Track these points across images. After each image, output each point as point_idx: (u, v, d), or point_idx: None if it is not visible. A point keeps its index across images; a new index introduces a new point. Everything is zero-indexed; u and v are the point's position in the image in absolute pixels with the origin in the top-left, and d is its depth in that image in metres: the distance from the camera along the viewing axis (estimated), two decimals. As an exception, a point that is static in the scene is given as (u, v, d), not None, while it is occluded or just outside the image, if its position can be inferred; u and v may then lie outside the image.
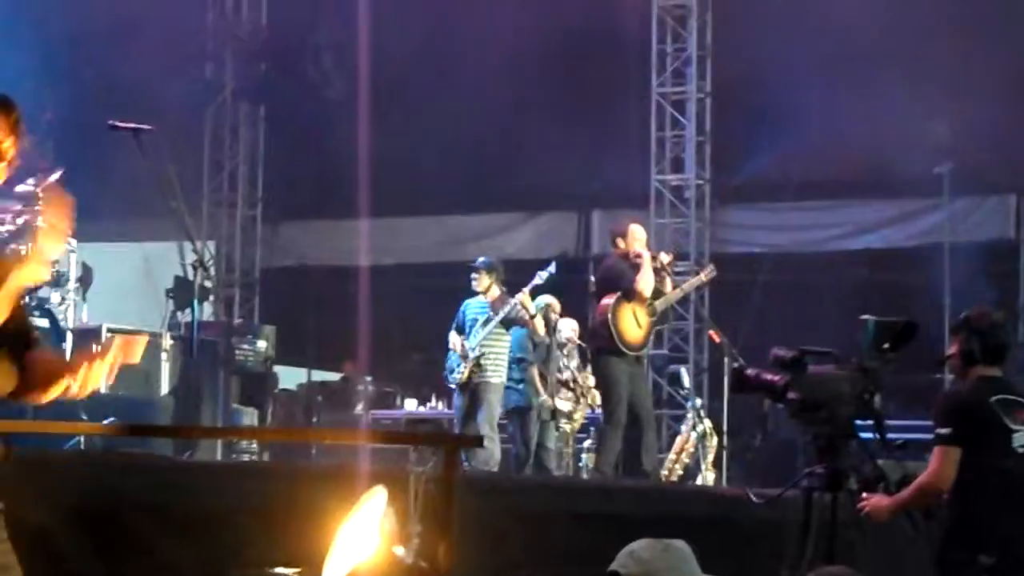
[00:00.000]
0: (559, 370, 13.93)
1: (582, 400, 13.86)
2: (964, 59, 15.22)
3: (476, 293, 12.88)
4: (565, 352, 14.03)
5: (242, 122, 17.64)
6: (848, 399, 6.08)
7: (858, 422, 6.29)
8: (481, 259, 13.15)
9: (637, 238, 11.89)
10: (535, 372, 13.37)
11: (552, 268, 12.94)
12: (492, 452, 12.67)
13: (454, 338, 12.74)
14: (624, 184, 16.76)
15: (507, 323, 12.75)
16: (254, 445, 13.90)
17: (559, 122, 16.44)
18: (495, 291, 12.83)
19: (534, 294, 13.00)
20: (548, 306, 13.52)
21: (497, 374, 12.79)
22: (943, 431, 6.47)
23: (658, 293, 11.94)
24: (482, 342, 12.67)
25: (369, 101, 16.41)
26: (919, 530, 6.44)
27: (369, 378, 17.25)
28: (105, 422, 10.37)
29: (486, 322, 12.70)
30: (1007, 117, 15.14)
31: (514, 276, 14.27)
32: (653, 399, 15.17)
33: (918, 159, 15.22)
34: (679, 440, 13.94)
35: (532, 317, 12.79)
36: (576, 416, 13.90)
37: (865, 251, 16.35)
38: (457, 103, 16.83)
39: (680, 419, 14.81)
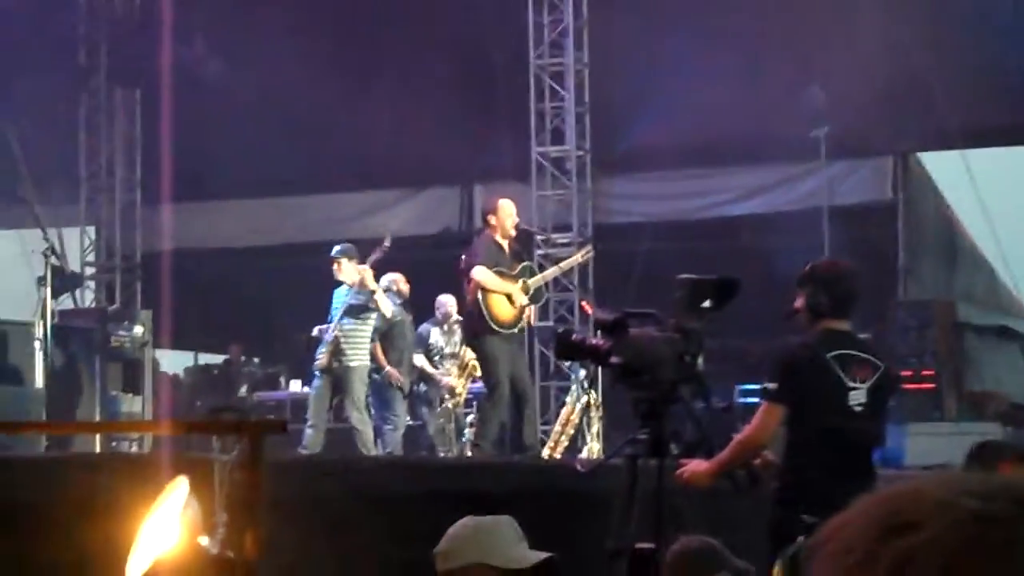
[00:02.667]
0: (441, 347, 14.16)
1: (464, 374, 13.98)
2: (839, 22, 15.27)
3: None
4: (446, 328, 14.24)
5: (118, 106, 17.42)
6: (669, 362, 5.76)
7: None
8: (336, 248, 13.11)
9: (508, 213, 11.89)
10: (376, 348, 13.45)
11: (387, 242, 12.90)
12: (366, 434, 12.78)
13: (322, 329, 12.82)
14: (505, 158, 16.65)
15: (356, 310, 12.76)
16: (134, 432, 13.95)
17: (439, 98, 16.40)
18: (355, 276, 12.82)
19: (379, 271, 13.04)
20: (393, 282, 13.65)
21: (357, 357, 12.83)
22: (770, 386, 6.32)
23: (531, 271, 11.97)
24: (341, 327, 12.71)
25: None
26: (742, 492, 6.19)
27: (256, 360, 17.38)
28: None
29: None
30: (882, 80, 15.19)
31: (399, 253, 14.30)
32: (540, 371, 15.31)
33: (795, 123, 15.16)
34: (564, 412, 13.97)
35: (373, 292, 12.77)
36: (459, 392, 14.03)
37: (746, 216, 16.35)
38: (341, 81, 16.65)
39: (567, 390, 14.70)
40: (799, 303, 6.44)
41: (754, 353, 14.28)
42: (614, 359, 5.82)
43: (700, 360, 5.88)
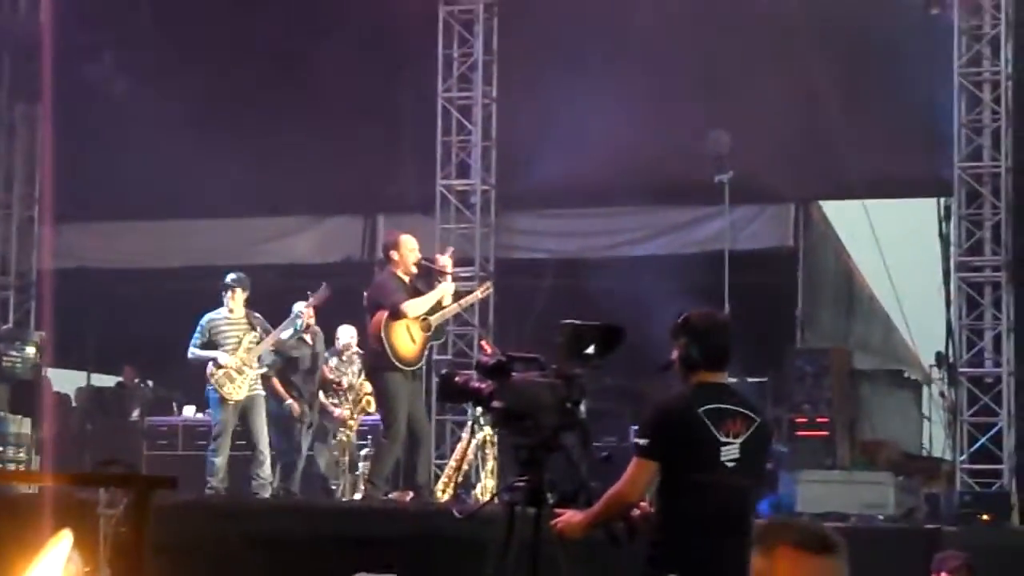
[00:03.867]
0: (338, 377, 14.19)
1: (357, 408, 14.05)
2: (747, 69, 15.45)
3: (220, 305, 13.22)
4: (344, 358, 14.27)
5: (19, 121, 17.36)
6: (550, 408, 5.82)
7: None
8: (232, 276, 13.30)
9: (410, 249, 12.03)
10: (275, 382, 13.65)
11: (325, 289, 13.27)
12: (268, 463, 12.98)
13: (224, 357, 12.83)
14: (410, 189, 16.69)
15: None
16: (22, 454, 13.92)
17: (345, 126, 16.42)
18: (242, 307, 13.07)
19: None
20: (300, 314, 13.68)
21: (260, 387, 13.09)
22: (641, 441, 6.27)
23: (434, 308, 12.07)
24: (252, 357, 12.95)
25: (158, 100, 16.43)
26: (620, 546, 6.14)
27: (150, 383, 17.34)
28: None
29: (260, 339, 12.99)
30: (787, 127, 15.42)
31: (299, 280, 14.42)
32: (436, 405, 15.20)
33: (700, 167, 15.24)
34: (459, 448, 14.06)
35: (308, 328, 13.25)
36: (351, 424, 14.05)
37: (648, 257, 16.38)
38: (248, 105, 16.78)
39: (463, 425, 14.78)
40: (673, 354, 6.39)
41: (651, 395, 14.28)
42: (496, 403, 5.90)
43: (582, 407, 5.95)
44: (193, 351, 12.97)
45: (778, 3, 15.28)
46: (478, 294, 13.23)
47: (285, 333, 13.25)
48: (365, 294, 12.17)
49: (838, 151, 15.20)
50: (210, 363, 12.80)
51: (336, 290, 14.12)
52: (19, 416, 14.00)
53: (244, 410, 12.81)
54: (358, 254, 17.45)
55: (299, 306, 13.40)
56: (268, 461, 12.87)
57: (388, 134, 16.65)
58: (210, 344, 12.92)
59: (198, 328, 13.01)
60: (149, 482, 5.46)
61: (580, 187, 16.32)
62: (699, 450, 6.19)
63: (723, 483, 6.19)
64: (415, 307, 11.82)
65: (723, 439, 6.18)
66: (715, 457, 6.18)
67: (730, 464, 6.19)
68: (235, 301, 13.05)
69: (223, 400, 12.77)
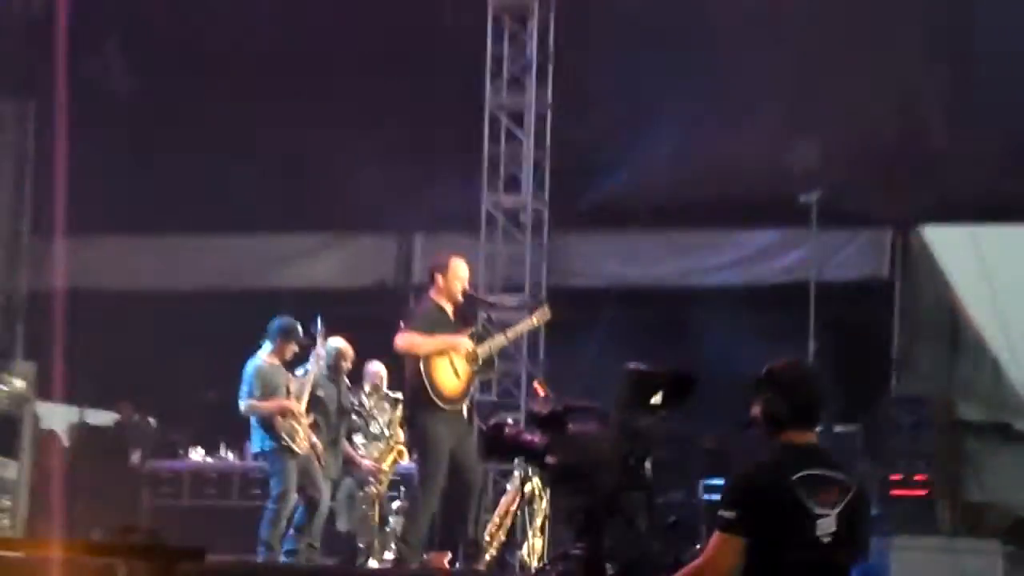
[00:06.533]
0: (365, 424, 13.92)
1: (389, 460, 13.78)
2: (838, 71, 15.36)
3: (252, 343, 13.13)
4: (373, 403, 13.98)
5: (7, 122, 17.26)
6: (611, 465, 5.88)
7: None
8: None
9: (458, 275, 11.80)
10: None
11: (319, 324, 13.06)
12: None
13: (293, 404, 12.84)
14: (451, 205, 16.47)
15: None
16: (6, 501, 13.86)
17: (378, 134, 16.26)
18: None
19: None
20: (339, 351, 13.44)
21: None
22: (726, 514, 5.97)
23: (479, 339, 11.77)
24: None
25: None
26: None
27: (152, 420, 17.04)
28: None
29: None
30: (885, 140, 15.41)
31: (322, 307, 13.82)
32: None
33: (783, 184, 15.12)
34: (504, 501, 13.54)
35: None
36: (382, 478, 13.74)
37: (723, 288, 16.20)
38: (268, 111, 16.59)
39: (508, 475, 14.36)
40: (755, 411, 6.20)
41: (714, 447, 14.53)
42: (549, 459, 6.01)
43: (647, 464, 6.04)
44: (249, 402, 12.72)
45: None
46: (532, 321, 12.71)
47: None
48: (401, 323, 11.78)
49: (943, 168, 15.14)
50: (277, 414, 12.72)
51: (366, 319, 14.02)
52: (3, 458, 13.89)
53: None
54: (392, 279, 17.43)
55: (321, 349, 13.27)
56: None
57: (428, 143, 16.58)
58: (266, 395, 12.72)
59: (251, 377, 12.76)
60: (176, 555, 5.40)
61: (646, 205, 16.19)
62: (791, 524, 6.00)
63: (819, 561, 6.02)
64: (407, 341, 11.44)
65: (817, 511, 6.00)
66: (808, 531, 5.99)
67: (826, 539, 6.01)
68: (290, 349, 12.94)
69: (292, 452, 12.62)
